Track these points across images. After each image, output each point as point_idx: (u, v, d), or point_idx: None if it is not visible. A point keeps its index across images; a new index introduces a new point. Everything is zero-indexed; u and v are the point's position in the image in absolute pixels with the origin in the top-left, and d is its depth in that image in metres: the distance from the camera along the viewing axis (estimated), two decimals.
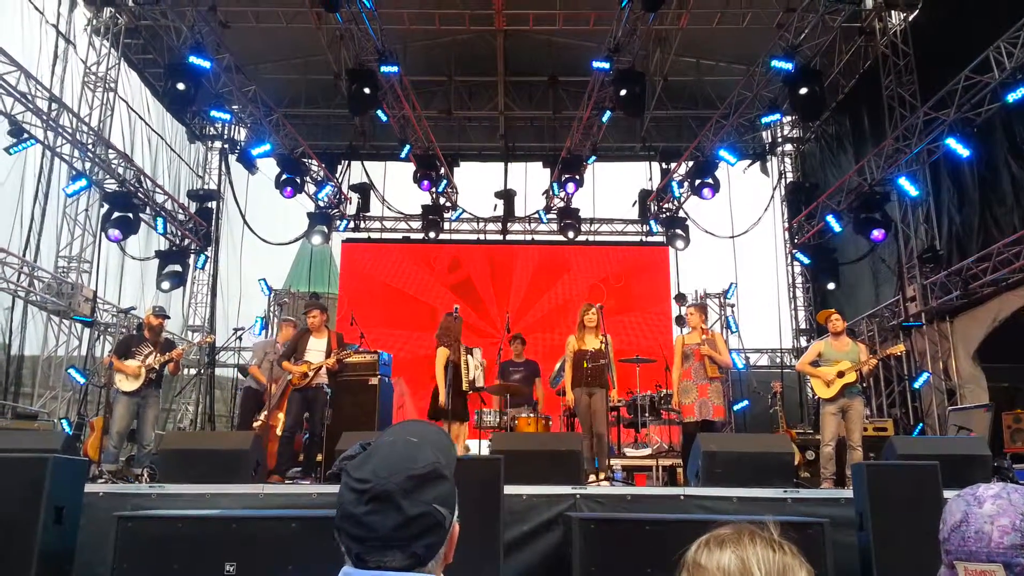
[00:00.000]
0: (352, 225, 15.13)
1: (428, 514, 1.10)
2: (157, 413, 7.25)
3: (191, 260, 12.93)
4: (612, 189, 15.46)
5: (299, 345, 7.07)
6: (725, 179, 13.02)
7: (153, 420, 7.14)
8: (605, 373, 6.81)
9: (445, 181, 13.97)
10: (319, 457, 7.16)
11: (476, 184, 15.51)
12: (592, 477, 6.42)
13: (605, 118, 11.82)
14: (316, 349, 7.06)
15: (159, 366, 7.07)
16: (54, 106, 9.61)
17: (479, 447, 7.57)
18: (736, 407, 11.88)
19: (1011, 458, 7.50)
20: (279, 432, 7.18)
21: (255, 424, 7.92)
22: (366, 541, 1.08)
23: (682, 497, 4.99)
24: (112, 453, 6.96)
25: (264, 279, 14.18)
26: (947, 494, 4.24)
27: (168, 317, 7.47)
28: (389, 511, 1.07)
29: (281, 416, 7.52)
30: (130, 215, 10.48)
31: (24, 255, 10.11)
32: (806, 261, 13.13)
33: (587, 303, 7.18)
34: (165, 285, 12.26)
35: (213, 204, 14.22)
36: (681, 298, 13.88)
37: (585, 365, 6.77)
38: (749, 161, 15.01)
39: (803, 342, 14.59)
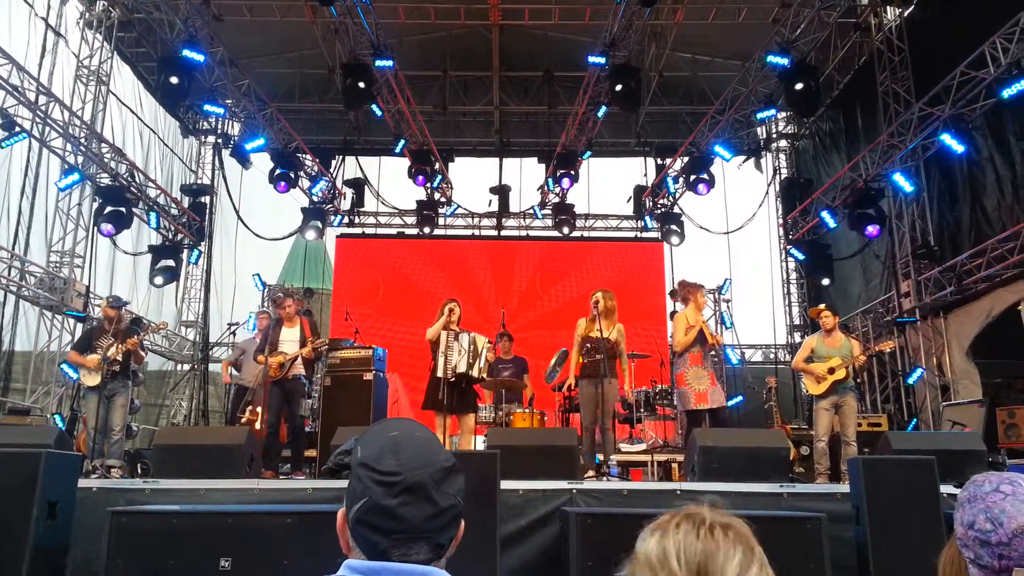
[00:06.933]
0: (346, 220, 15.13)
1: (454, 506, 1.11)
2: (126, 402, 6.96)
3: (184, 255, 12.88)
4: (607, 185, 15.51)
5: (272, 337, 6.92)
6: (720, 175, 13.02)
7: (122, 407, 6.86)
8: (612, 362, 6.39)
9: (440, 176, 13.93)
10: (310, 452, 7.13)
11: (471, 179, 15.55)
12: (590, 472, 6.30)
13: (600, 113, 11.79)
14: (289, 340, 6.94)
15: (121, 356, 6.80)
16: (46, 100, 9.53)
17: (474, 443, 7.56)
18: (731, 402, 11.91)
19: (1006, 453, 7.53)
20: (257, 426, 7.13)
21: (241, 421, 7.92)
22: (395, 533, 1.06)
23: (678, 492, 5.00)
24: (93, 449, 6.80)
25: (258, 274, 14.19)
26: (943, 488, 4.25)
27: (122, 306, 7.15)
28: (422, 502, 1.07)
29: (260, 411, 7.50)
30: (123, 210, 10.42)
31: (13, 250, 10.04)
32: (800, 257, 13.14)
33: (600, 290, 6.68)
34: (158, 280, 12.21)
35: (206, 199, 14.17)
36: (675, 294, 13.89)
37: (591, 353, 6.34)
38: (744, 157, 15.03)
39: (797, 338, 14.61)
